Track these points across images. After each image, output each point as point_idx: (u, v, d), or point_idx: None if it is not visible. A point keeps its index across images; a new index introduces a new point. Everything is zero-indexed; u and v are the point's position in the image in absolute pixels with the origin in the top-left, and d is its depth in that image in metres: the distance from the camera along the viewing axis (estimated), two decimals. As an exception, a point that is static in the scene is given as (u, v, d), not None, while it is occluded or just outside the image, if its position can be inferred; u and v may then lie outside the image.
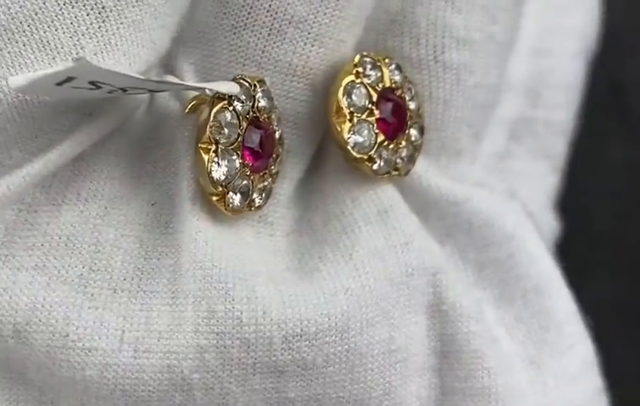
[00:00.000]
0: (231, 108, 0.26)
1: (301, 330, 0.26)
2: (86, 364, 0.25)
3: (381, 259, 0.28)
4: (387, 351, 0.27)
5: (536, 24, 0.34)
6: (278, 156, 0.28)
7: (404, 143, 0.29)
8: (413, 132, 0.29)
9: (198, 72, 0.28)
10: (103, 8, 0.25)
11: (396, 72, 0.29)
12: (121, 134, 0.27)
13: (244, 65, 0.27)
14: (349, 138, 0.28)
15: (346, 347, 0.26)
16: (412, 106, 0.29)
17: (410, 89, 0.29)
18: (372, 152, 0.28)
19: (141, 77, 0.24)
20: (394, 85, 0.28)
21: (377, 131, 0.28)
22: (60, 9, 0.24)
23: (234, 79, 0.26)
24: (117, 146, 0.27)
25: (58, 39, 0.25)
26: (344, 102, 0.28)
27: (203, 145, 0.26)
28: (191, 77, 0.28)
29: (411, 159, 0.29)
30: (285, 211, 0.29)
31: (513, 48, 0.32)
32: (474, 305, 0.29)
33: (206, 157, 0.26)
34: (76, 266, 0.26)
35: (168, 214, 0.27)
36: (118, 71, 0.23)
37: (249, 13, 0.27)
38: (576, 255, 0.33)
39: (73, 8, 0.25)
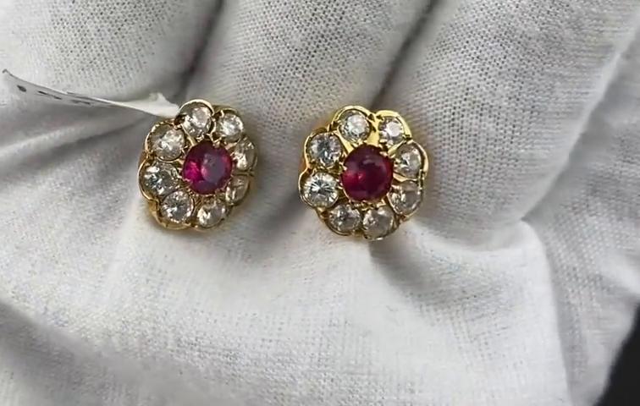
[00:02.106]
0: (176, 127, 0.28)
1: (195, 339, 0.27)
2: (20, 319, 0.29)
3: (303, 307, 0.27)
4: (286, 394, 0.27)
5: None
6: (236, 186, 0.29)
7: (378, 205, 0.28)
8: (396, 197, 0.28)
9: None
10: (87, 31, 0.28)
11: (389, 132, 0.28)
12: (115, 137, 0.30)
13: (224, 102, 0.29)
14: (304, 188, 0.28)
15: (238, 372, 0.27)
16: (403, 168, 0.28)
17: (407, 152, 0.28)
18: (330, 207, 0.28)
19: (60, 91, 0.27)
20: (379, 145, 0.28)
21: (340, 187, 0.28)
22: (53, 27, 0.28)
23: (193, 103, 0.28)
24: (106, 146, 0.30)
25: (51, 52, 0.28)
26: (306, 152, 0.28)
27: (143, 153, 0.28)
28: None
29: (384, 223, 0.28)
30: (242, 242, 0.30)
31: (584, 114, 0.29)
32: (410, 374, 0.27)
33: (140, 164, 0.28)
34: (31, 235, 0.29)
35: (123, 211, 0.29)
36: (34, 84, 0.27)
37: (231, 56, 0.28)
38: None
39: (63, 28, 0.28)
